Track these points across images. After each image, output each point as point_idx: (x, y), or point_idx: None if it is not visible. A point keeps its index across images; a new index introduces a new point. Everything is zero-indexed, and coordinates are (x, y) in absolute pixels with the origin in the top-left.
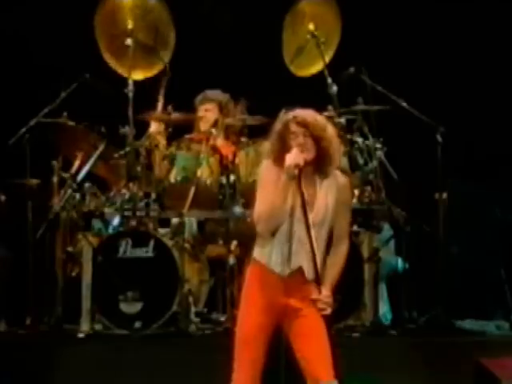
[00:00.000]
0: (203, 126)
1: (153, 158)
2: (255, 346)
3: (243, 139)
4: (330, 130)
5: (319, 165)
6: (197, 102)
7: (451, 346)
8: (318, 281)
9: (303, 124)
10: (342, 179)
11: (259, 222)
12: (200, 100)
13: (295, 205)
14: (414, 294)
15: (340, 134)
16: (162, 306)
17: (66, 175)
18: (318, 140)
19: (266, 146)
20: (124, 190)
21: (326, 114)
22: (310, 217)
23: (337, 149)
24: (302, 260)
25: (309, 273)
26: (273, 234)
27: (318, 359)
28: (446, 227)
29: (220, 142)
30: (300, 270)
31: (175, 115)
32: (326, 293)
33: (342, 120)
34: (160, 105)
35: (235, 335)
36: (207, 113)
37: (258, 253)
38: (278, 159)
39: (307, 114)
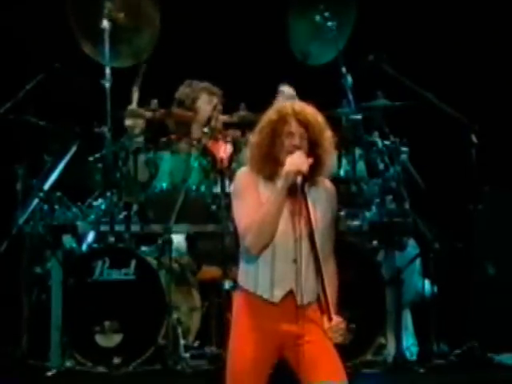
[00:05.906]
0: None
1: (134, 161)
2: None
3: (241, 139)
4: (328, 136)
5: (310, 173)
6: (197, 92)
7: None
8: (328, 307)
9: (304, 123)
10: (329, 186)
11: (246, 236)
12: (204, 91)
13: (284, 218)
14: (444, 323)
15: (337, 139)
16: (146, 338)
17: (32, 182)
18: (314, 145)
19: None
20: (100, 200)
21: (339, 110)
22: (316, 235)
23: (332, 158)
24: (292, 282)
25: (302, 297)
26: (260, 252)
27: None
28: (481, 244)
29: (213, 142)
30: (292, 294)
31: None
32: (337, 319)
33: (359, 117)
34: (135, 98)
35: (226, 376)
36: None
37: (242, 278)
38: (264, 159)
39: (309, 112)
